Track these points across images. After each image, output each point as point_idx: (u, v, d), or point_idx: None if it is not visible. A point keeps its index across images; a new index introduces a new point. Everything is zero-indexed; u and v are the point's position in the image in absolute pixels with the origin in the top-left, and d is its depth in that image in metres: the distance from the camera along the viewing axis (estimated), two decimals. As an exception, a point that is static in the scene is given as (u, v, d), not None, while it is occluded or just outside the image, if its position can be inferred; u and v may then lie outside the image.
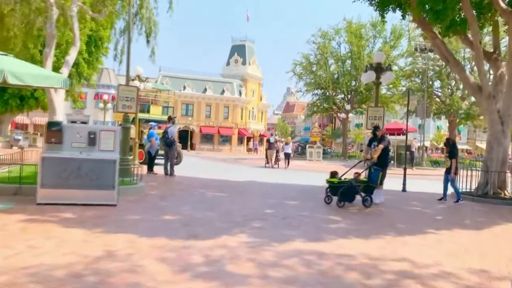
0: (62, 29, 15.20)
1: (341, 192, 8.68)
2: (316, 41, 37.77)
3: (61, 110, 12.18)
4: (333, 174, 9.31)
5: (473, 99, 32.43)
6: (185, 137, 53.17)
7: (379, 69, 13.66)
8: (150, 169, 14.52)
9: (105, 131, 7.81)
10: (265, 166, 23.82)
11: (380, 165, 9.30)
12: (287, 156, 24.23)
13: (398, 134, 29.72)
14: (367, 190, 9.08)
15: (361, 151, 40.34)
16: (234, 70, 61.82)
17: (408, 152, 28.51)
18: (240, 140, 61.65)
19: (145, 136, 16.10)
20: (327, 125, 69.50)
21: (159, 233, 5.69)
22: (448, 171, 10.81)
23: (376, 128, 10.04)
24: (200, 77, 58.89)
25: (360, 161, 10.35)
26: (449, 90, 31.54)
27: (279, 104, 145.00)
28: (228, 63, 63.52)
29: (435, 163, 28.88)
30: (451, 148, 11.04)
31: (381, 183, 9.61)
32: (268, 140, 25.42)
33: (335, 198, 9.01)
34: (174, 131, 14.47)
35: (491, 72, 12.16)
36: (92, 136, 7.52)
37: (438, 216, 8.85)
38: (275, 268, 4.43)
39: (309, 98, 43.02)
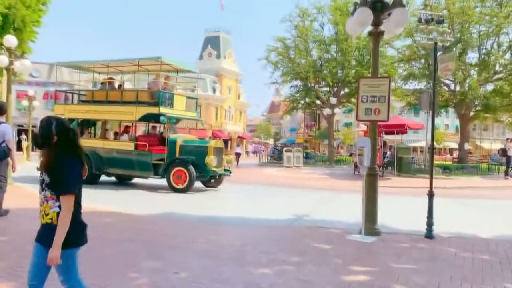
0: None
1: None
2: (293, 21, 31.14)
3: None
4: None
5: (489, 87, 24.92)
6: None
7: (378, 5, 7.16)
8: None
9: None
10: None
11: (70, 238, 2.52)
12: (238, 155, 30.93)
13: (398, 133, 23.25)
14: None
15: (351, 155, 33.83)
16: (207, 64, 54.67)
17: (504, 158, 21.47)
18: (215, 143, 54.60)
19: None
20: (313, 124, 62.84)
21: None
22: None
23: None
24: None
25: None
26: (461, 73, 24.33)
27: (267, 106, 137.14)
28: (201, 57, 56.45)
29: (446, 169, 22.43)
30: None
31: None
32: None
33: None
34: (9, 131, 7.75)
35: None
36: None
37: None
38: None
39: (287, 91, 36.35)
